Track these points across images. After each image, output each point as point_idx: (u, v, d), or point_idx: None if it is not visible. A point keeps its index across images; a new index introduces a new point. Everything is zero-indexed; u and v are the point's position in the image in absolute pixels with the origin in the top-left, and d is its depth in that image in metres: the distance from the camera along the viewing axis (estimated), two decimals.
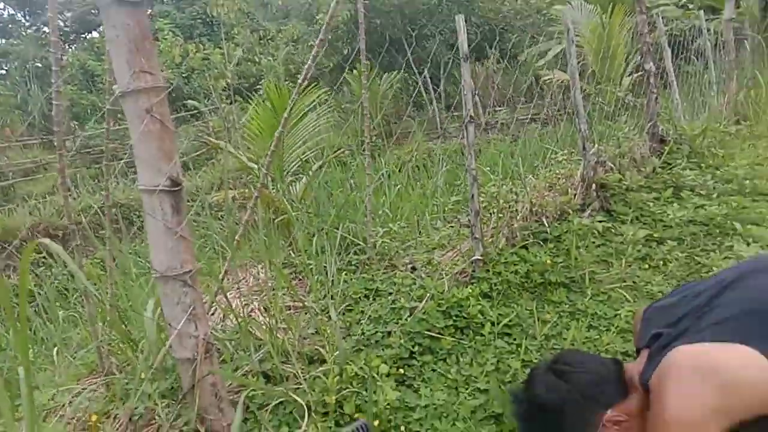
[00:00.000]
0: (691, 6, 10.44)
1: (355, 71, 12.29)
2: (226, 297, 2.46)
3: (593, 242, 3.42)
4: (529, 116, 7.56)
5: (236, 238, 2.36)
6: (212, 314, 2.68)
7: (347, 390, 2.07)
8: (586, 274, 3.06)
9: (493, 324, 2.64)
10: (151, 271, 1.78)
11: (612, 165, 4.02)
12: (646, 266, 3.26)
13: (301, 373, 2.19)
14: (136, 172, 1.65)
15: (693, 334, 1.25)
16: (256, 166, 3.60)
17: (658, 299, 1.50)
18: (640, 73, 5.09)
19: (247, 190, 3.92)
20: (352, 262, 3.13)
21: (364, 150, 3.46)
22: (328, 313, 2.50)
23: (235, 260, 2.79)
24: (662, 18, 6.30)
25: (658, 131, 4.68)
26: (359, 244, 3.20)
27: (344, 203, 3.69)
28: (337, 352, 2.18)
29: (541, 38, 11.96)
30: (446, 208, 4.18)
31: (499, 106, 10.38)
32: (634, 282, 3.09)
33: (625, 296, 2.93)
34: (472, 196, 2.89)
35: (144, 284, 2.99)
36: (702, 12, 7.69)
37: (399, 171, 5.36)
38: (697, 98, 5.84)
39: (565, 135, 5.44)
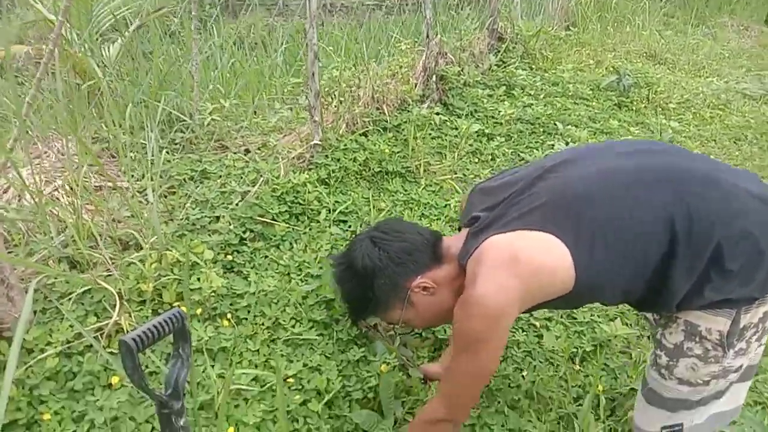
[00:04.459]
0: None
1: None
2: (17, 171, 2.07)
3: (430, 134, 3.45)
4: (374, 2, 7.29)
5: (27, 101, 1.96)
6: (4, 192, 2.27)
7: (167, 277, 1.89)
8: (421, 165, 3.09)
9: (329, 211, 2.57)
10: None
11: (452, 58, 4.02)
12: (476, 160, 3.38)
13: (113, 259, 1.95)
14: None
15: (505, 220, 1.30)
16: (55, 18, 2.98)
17: (483, 180, 1.54)
18: None
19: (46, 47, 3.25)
20: (176, 141, 2.81)
21: (191, 12, 3.04)
22: (145, 194, 2.24)
23: (27, 130, 2.34)
24: None
25: (497, 28, 4.76)
26: (185, 120, 2.87)
27: (167, 73, 3.24)
28: (155, 237, 1.96)
29: None
30: (285, 90, 3.91)
31: None
32: (464, 174, 3.20)
33: (455, 187, 3.02)
34: (312, 74, 2.68)
35: None
36: None
37: (234, 45, 4.88)
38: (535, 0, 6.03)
39: (409, 24, 5.32)
